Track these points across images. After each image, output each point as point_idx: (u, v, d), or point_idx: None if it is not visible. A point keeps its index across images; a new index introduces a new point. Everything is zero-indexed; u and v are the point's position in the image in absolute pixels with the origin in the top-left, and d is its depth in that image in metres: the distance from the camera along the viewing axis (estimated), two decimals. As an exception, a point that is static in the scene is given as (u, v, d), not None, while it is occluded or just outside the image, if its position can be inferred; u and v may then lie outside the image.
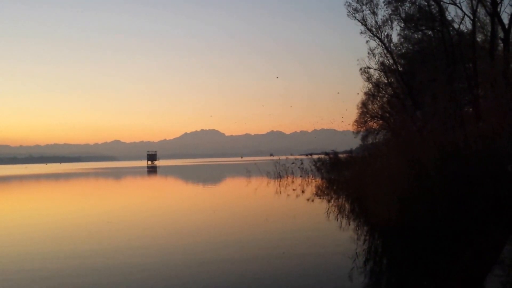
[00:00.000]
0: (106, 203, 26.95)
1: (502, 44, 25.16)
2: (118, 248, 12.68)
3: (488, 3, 25.25)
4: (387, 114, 49.64)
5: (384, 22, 32.36)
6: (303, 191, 28.06)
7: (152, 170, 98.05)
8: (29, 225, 17.97)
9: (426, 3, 29.74)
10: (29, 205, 27.35)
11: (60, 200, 30.34)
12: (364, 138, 57.51)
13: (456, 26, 28.91)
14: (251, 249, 12.12)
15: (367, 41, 34.87)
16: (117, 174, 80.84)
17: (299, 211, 19.72)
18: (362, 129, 58.08)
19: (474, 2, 26.02)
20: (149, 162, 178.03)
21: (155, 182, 53.04)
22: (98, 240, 14.01)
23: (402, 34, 35.34)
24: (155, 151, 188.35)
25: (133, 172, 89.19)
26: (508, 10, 25.03)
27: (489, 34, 26.68)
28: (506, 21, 24.08)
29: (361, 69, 41.69)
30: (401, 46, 37.92)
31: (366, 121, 57.08)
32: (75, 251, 12.46)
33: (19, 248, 13.24)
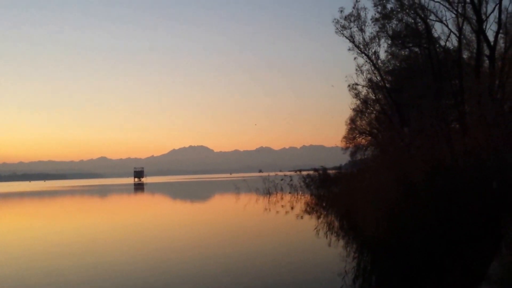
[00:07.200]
0: (90, 222, 26.49)
1: (487, 61, 25.47)
2: (99, 265, 12.39)
3: (474, 21, 25.58)
4: (375, 130, 49.93)
5: (372, 39, 32.56)
6: (292, 208, 27.90)
7: (139, 187, 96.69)
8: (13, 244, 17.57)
9: (412, 21, 30.03)
10: (13, 225, 26.82)
11: (36, 221, 29.78)
12: (352, 154, 57.65)
13: (442, 43, 29.20)
14: (239, 267, 11.94)
15: (355, 58, 34.99)
16: (102, 191, 79.69)
17: (288, 228, 19.56)
18: (350, 145, 58.24)
19: (460, 19, 26.31)
20: (136, 179, 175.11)
21: (142, 200, 52.47)
22: (81, 256, 13.70)
23: (389, 51, 35.61)
24: (142, 167, 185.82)
25: (119, 189, 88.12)
26: (493, 27, 25.30)
27: (475, 51, 27.00)
28: (491, 38, 24.40)
29: (349, 85, 41.81)
30: (388, 63, 38.19)
31: (354, 137, 57.27)
32: (54, 267, 12.16)
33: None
